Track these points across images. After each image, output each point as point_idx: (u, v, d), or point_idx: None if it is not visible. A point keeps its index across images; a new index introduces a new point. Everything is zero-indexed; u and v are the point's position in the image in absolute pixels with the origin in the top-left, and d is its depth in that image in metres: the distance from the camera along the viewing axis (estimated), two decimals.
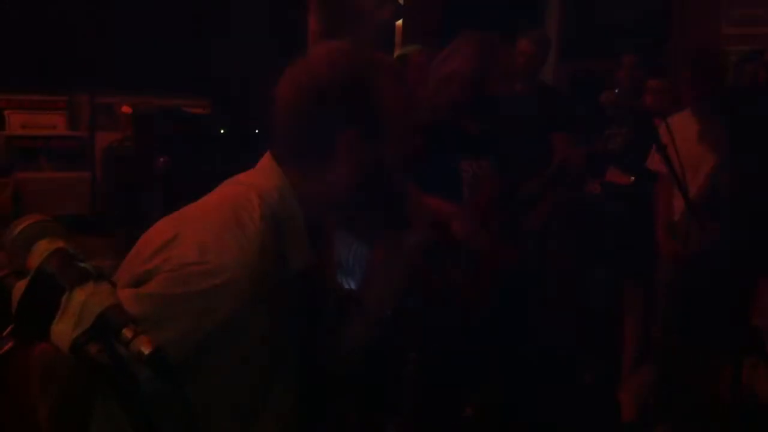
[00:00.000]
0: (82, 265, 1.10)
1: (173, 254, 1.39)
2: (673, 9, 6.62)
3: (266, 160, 1.61)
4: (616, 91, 3.56)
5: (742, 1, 6.28)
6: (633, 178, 4.34)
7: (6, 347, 1.18)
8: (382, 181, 1.61)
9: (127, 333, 1.01)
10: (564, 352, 4.42)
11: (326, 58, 1.58)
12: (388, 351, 2.78)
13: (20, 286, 1.10)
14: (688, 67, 3.95)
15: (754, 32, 6.00)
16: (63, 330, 1.04)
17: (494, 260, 2.89)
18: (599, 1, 6.60)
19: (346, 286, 2.34)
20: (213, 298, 1.36)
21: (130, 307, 1.20)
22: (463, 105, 2.98)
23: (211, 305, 1.37)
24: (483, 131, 3.04)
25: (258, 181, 1.56)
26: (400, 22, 5.57)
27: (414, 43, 5.42)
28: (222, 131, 4.64)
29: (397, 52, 5.38)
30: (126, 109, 5.00)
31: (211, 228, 1.43)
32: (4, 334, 1.20)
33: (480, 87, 3.01)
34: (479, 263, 2.85)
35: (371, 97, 1.55)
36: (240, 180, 1.61)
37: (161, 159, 3.41)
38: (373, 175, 1.58)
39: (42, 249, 1.11)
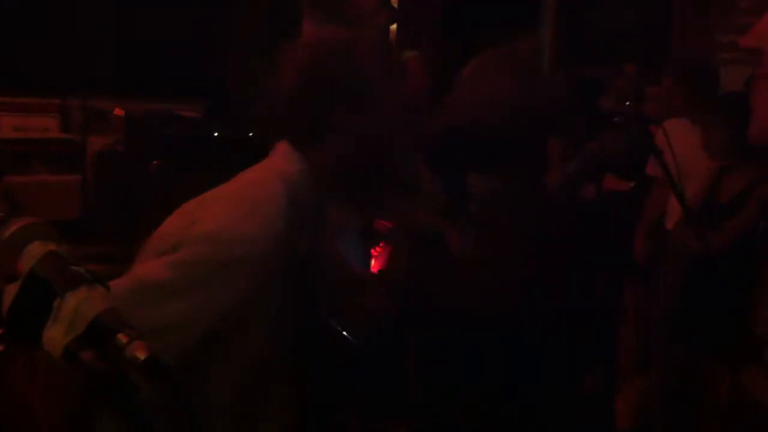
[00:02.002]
0: (75, 268, 1.07)
1: (201, 228, 1.45)
2: (671, 17, 6.63)
3: (283, 146, 1.65)
4: (615, 97, 3.55)
5: (738, 9, 6.29)
6: (632, 184, 4.33)
7: None
8: (381, 155, 1.66)
9: (122, 338, 0.97)
10: (564, 357, 4.40)
11: (313, 39, 1.70)
12: (389, 356, 2.76)
13: (11, 290, 1.07)
14: (678, 79, 3.96)
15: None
16: (55, 336, 1.01)
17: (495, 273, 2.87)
18: (595, 7, 6.60)
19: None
20: (236, 268, 1.41)
21: (160, 275, 1.35)
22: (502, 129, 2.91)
23: (234, 275, 1.41)
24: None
25: (280, 166, 1.61)
26: (394, 26, 5.57)
27: (409, 48, 5.43)
28: (216, 134, 4.62)
29: None
30: (118, 112, 4.97)
31: (236, 206, 1.49)
32: None
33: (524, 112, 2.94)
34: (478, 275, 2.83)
35: (356, 72, 1.61)
36: (263, 166, 1.65)
37: (154, 162, 3.38)
38: (370, 150, 1.63)
39: (34, 252, 1.08)
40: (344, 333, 1.81)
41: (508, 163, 2.97)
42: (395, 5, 5.56)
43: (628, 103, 4.16)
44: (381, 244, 4.92)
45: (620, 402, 4.17)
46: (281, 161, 1.62)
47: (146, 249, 1.55)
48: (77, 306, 1.01)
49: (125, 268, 3.19)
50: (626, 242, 4.36)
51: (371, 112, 1.62)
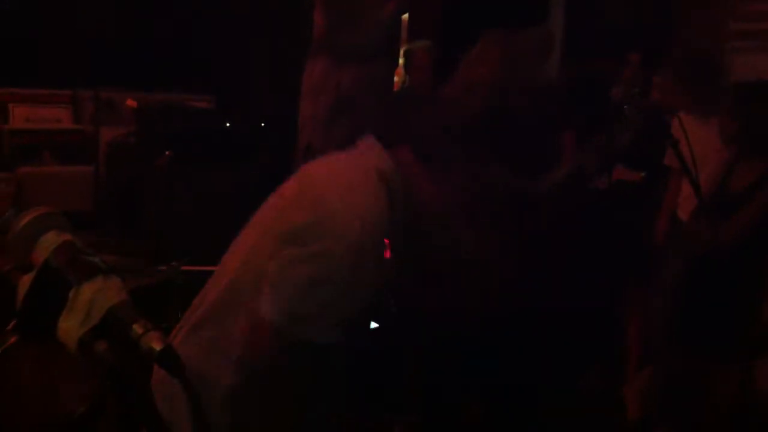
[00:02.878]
0: (91, 258, 1.06)
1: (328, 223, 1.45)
2: (678, 6, 6.59)
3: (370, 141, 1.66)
4: (624, 87, 3.53)
5: None
6: (643, 174, 4.31)
7: (9, 342, 1.15)
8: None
9: (137, 329, 0.97)
10: (567, 352, 4.39)
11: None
12: (391, 352, 2.76)
13: (25, 281, 1.07)
14: (676, 74, 3.94)
15: (763, 28, 5.98)
16: (70, 327, 1.01)
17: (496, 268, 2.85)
18: None
19: None
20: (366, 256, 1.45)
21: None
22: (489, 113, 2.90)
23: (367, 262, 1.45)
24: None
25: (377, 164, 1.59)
26: (406, 16, 5.55)
27: (420, 39, 5.41)
28: (227, 125, 4.61)
29: (403, 48, 5.37)
30: (130, 103, 4.97)
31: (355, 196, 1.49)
32: (8, 329, 1.17)
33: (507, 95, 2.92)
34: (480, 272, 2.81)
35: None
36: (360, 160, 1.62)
37: (166, 153, 3.38)
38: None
39: (48, 242, 1.08)
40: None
41: (506, 156, 2.96)
42: None
43: (636, 90, 4.14)
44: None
45: (628, 394, 4.17)
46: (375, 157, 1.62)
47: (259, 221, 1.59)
48: (93, 297, 1.01)
49: (136, 258, 3.18)
50: (637, 233, 4.34)
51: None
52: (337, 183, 1.52)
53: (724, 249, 3.28)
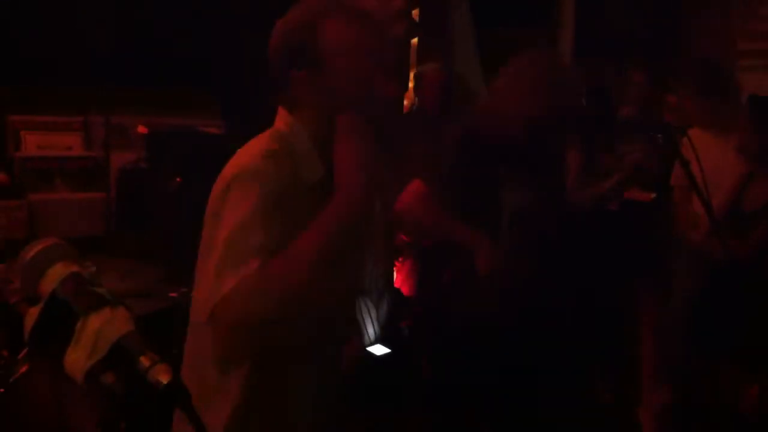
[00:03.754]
0: (98, 290, 1.06)
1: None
2: (686, 24, 6.60)
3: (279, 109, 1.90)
4: (638, 107, 3.52)
5: (757, 15, 6.26)
6: (654, 195, 4.29)
7: (21, 371, 1.14)
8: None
9: (144, 361, 0.97)
10: (581, 368, 4.36)
11: (289, 11, 1.83)
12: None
13: (33, 313, 1.07)
14: (691, 83, 3.92)
15: None
16: (77, 359, 1.00)
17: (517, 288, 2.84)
18: (612, 14, 6.58)
19: None
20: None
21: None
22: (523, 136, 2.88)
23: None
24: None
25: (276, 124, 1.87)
26: (415, 40, 5.56)
27: (426, 61, 5.43)
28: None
29: (413, 71, 5.38)
30: (141, 129, 4.99)
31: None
32: (19, 357, 1.16)
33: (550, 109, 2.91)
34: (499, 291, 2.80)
35: (317, 42, 1.75)
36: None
37: (177, 179, 3.39)
38: (334, 110, 1.75)
39: (56, 274, 1.08)
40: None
41: (538, 172, 2.95)
42: (416, 19, 5.56)
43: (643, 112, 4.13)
44: (401, 258, 4.90)
45: (643, 413, 4.13)
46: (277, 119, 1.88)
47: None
48: (100, 328, 1.01)
49: (149, 283, 3.18)
50: (647, 253, 4.32)
51: (329, 76, 1.75)
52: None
53: (739, 267, 3.26)
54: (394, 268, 4.86)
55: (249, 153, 1.77)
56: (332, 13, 1.78)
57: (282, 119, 1.86)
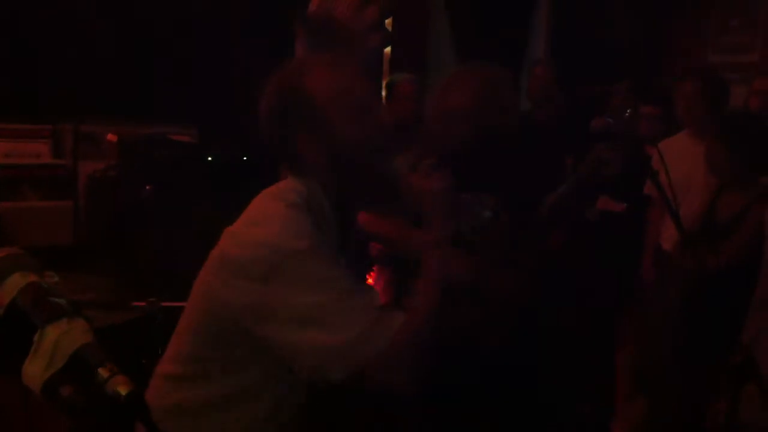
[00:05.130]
0: (56, 300, 1.04)
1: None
2: (660, 37, 6.65)
3: (283, 171, 1.86)
4: (609, 118, 3.53)
5: (729, 28, 6.32)
6: (626, 205, 4.31)
7: None
8: (359, 169, 1.74)
9: (103, 373, 0.95)
10: (560, 380, 4.36)
11: (272, 78, 1.80)
12: None
13: None
14: (698, 81, 3.94)
15: (741, 60, 6.04)
16: (35, 371, 0.98)
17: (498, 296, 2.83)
18: (586, 27, 6.61)
19: None
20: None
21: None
22: (464, 141, 2.88)
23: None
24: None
25: (289, 184, 1.77)
26: (388, 49, 5.56)
27: (401, 71, 5.42)
28: (209, 159, 4.59)
29: (385, 80, 5.37)
30: (111, 137, 4.95)
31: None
32: None
33: (481, 122, 2.90)
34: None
35: (310, 100, 1.71)
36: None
37: (147, 187, 3.35)
38: (346, 166, 1.72)
39: (14, 284, 1.05)
40: None
41: (499, 184, 2.94)
42: (389, 28, 5.55)
43: (620, 122, 4.15)
44: (374, 268, 4.88)
45: (617, 427, 4.14)
46: (289, 180, 1.78)
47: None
48: (57, 339, 0.99)
49: (119, 293, 3.14)
50: (622, 264, 4.33)
51: (334, 138, 1.71)
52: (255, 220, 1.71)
53: (711, 279, 3.28)
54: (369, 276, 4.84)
55: (276, 223, 1.66)
56: (313, 69, 1.78)
57: (291, 181, 1.79)
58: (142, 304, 2.94)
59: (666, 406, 3.64)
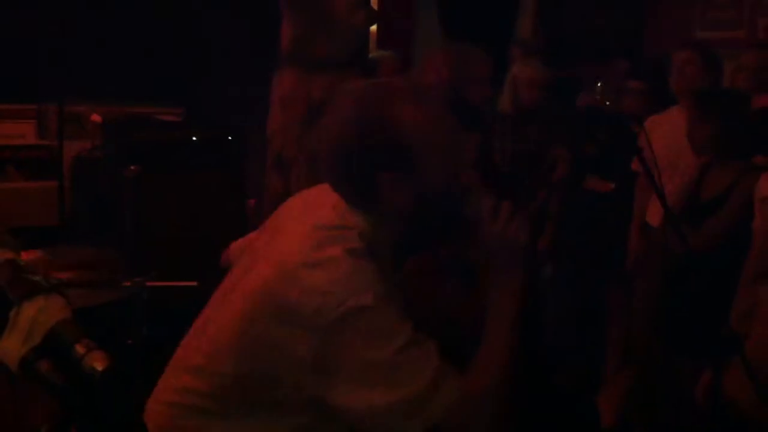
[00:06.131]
0: (33, 277, 1.04)
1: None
2: (645, 14, 6.64)
3: (340, 204, 1.65)
4: (597, 96, 3.53)
5: (715, 4, 6.31)
6: (613, 185, 4.32)
7: None
8: (435, 212, 1.63)
9: (79, 349, 0.95)
10: (550, 354, 4.39)
11: (345, 100, 1.63)
12: None
13: None
14: (694, 51, 3.95)
15: (727, 36, 6.03)
16: (11, 346, 0.98)
17: None
18: (571, 7, 6.60)
19: None
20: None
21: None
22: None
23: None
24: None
25: (348, 219, 1.62)
26: (374, 27, 5.54)
27: (386, 49, 5.41)
28: (194, 139, 4.57)
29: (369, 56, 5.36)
30: (96, 118, 4.92)
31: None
32: None
33: (456, 98, 2.91)
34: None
35: (399, 137, 1.55)
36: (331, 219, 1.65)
37: (132, 167, 3.34)
38: (424, 209, 1.61)
39: None
40: None
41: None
42: (375, 6, 5.54)
43: (608, 102, 4.15)
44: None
45: (603, 400, 4.16)
46: (344, 218, 1.63)
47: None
48: (35, 316, 0.98)
49: (103, 273, 3.12)
50: (610, 242, 4.35)
51: (423, 180, 1.59)
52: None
53: (695, 257, 3.28)
54: None
55: (340, 270, 1.54)
56: (400, 100, 1.60)
57: (350, 215, 1.63)
58: (128, 284, 2.94)
59: (650, 379, 3.67)
